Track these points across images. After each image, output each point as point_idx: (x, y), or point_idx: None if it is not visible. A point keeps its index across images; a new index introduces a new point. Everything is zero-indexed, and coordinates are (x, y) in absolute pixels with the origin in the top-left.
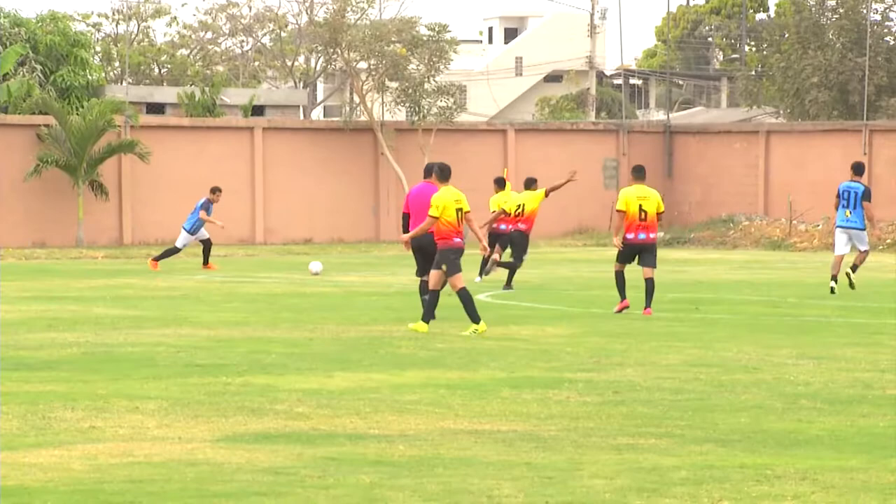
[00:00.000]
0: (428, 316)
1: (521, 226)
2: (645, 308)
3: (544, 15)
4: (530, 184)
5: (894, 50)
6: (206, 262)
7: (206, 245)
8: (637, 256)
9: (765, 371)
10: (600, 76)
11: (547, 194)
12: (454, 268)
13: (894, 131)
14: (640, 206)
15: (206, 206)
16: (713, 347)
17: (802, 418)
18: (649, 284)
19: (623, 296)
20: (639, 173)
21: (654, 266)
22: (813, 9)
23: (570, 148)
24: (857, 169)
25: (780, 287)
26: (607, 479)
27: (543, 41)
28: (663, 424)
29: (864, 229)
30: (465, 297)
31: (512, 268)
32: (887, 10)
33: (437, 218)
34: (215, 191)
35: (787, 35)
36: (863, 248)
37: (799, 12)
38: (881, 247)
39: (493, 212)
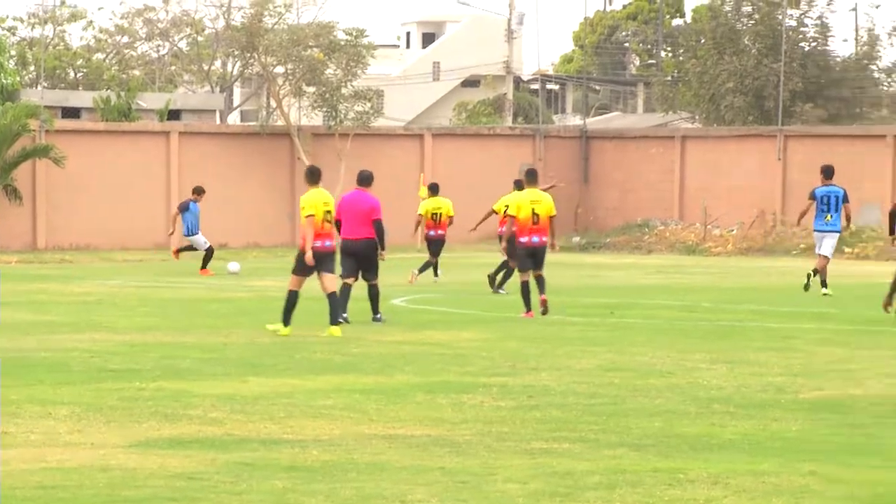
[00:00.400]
0: (335, 317)
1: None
2: (540, 294)
3: (462, 20)
4: (521, 185)
5: (809, 56)
6: (176, 252)
7: (189, 248)
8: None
9: (678, 375)
10: (517, 81)
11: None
12: (299, 269)
13: (809, 136)
14: (533, 209)
15: (186, 206)
16: (628, 352)
17: (715, 422)
18: (541, 280)
19: (528, 307)
20: (531, 177)
21: (542, 269)
22: (729, 14)
23: (486, 153)
24: (829, 172)
25: (694, 292)
26: (521, 483)
27: (461, 46)
28: (577, 429)
29: (839, 233)
30: (291, 298)
31: (505, 268)
32: (802, 17)
33: (313, 215)
34: (197, 191)
35: (703, 41)
36: (828, 255)
37: (715, 18)
38: (794, 252)
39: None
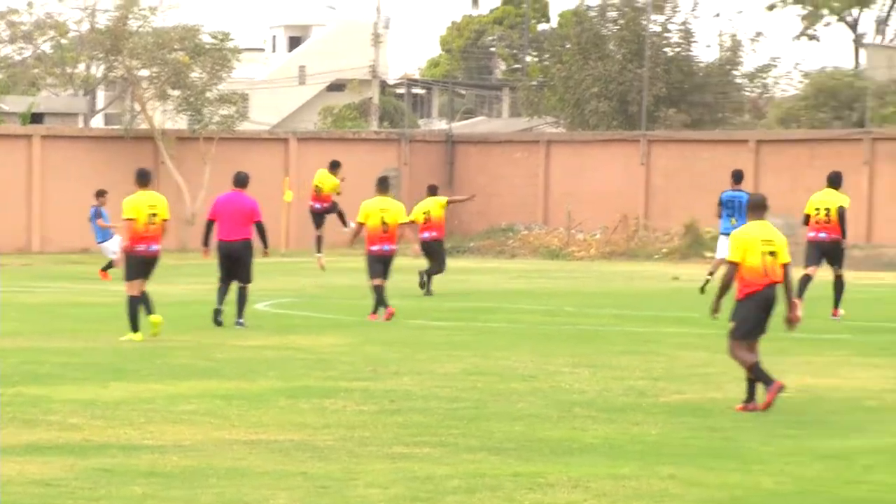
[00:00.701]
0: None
1: (433, 233)
2: (372, 313)
3: (328, 24)
4: (434, 190)
5: (673, 61)
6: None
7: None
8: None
9: (541, 380)
10: (383, 85)
11: (449, 203)
12: (129, 273)
13: (672, 141)
14: (382, 218)
15: (99, 213)
16: (491, 356)
17: (577, 426)
18: (383, 291)
19: (386, 303)
20: (382, 185)
21: (387, 277)
22: (594, 20)
23: (352, 157)
24: (738, 177)
25: (557, 296)
26: (382, 488)
27: (327, 50)
28: (438, 433)
29: None
30: (133, 304)
31: (430, 273)
32: (667, 22)
33: (133, 220)
34: (100, 194)
35: (568, 46)
36: None
37: (580, 23)
38: (657, 256)
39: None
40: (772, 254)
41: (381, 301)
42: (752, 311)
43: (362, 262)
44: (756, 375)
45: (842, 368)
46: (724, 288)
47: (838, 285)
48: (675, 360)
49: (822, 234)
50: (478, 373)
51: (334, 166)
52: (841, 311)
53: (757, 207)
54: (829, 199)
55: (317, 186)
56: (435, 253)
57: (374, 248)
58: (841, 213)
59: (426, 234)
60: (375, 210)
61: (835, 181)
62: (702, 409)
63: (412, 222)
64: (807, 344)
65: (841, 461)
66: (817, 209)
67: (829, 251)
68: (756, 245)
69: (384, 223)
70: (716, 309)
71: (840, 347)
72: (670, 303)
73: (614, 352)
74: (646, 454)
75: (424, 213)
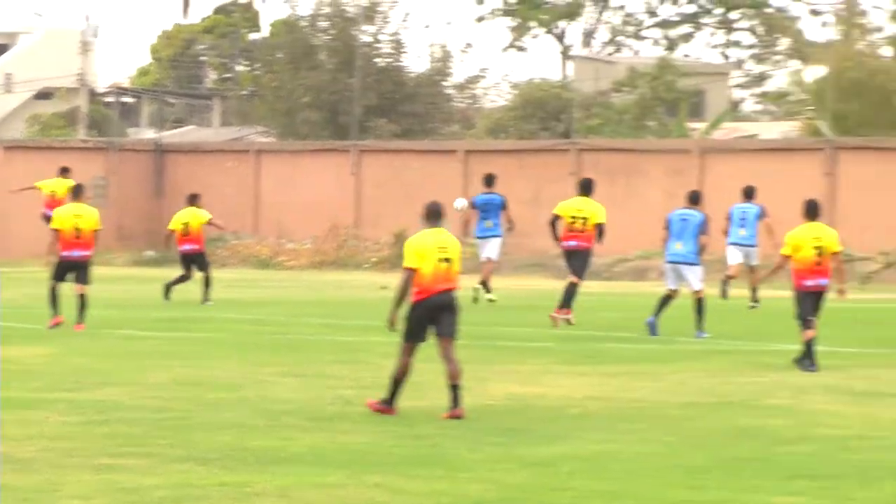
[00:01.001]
0: None
1: (195, 245)
2: (77, 324)
3: (35, 31)
4: (193, 200)
5: (384, 72)
6: None
7: None
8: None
9: (248, 389)
10: (92, 94)
11: (209, 223)
12: None
13: (382, 151)
14: (76, 224)
15: None
16: (200, 366)
17: (284, 436)
18: (83, 300)
19: (57, 312)
20: (76, 192)
21: (87, 283)
22: (305, 29)
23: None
24: (489, 181)
25: (267, 305)
26: (85, 499)
27: (35, 58)
28: (145, 444)
29: (500, 237)
30: None
31: (207, 282)
32: (378, 33)
33: None
34: None
35: (279, 55)
36: (493, 257)
37: (291, 32)
38: (366, 265)
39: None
40: (446, 261)
41: (53, 302)
42: (421, 315)
43: None
44: (392, 386)
45: (546, 376)
46: (401, 296)
47: (570, 289)
48: (382, 368)
49: (573, 242)
50: (186, 383)
51: (65, 171)
52: (567, 316)
53: (432, 216)
54: (586, 209)
55: (52, 192)
56: (198, 264)
57: (66, 253)
58: (600, 229)
59: (187, 247)
60: (69, 216)
61: (587, 188)
62: (408, 418)
63: (171, 232)
64: (512, 352)
65: (546, 468)
66: (573, 217)
67: (577, 257)
68: (432, 252)
69: (77, 229)
70: (393, 321)
71: (544, 355)
72: (379, 312)
73: (323, 361)
74: (353, 463)
75: (183, 224)
